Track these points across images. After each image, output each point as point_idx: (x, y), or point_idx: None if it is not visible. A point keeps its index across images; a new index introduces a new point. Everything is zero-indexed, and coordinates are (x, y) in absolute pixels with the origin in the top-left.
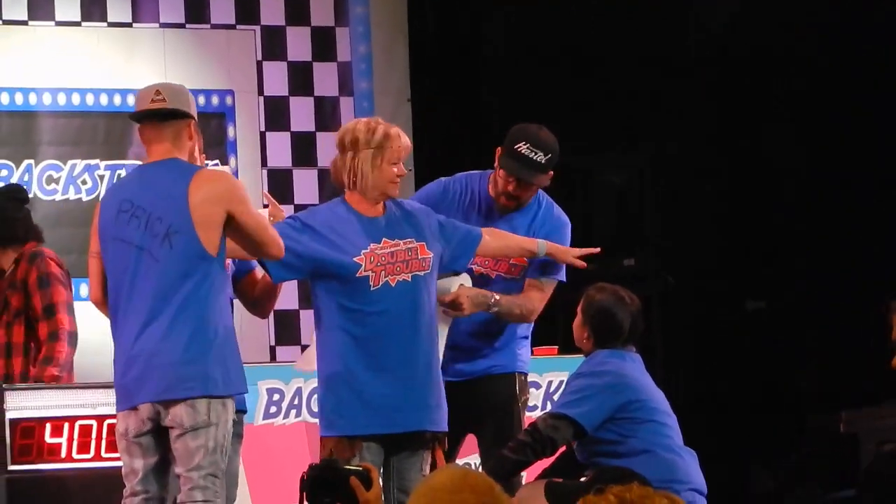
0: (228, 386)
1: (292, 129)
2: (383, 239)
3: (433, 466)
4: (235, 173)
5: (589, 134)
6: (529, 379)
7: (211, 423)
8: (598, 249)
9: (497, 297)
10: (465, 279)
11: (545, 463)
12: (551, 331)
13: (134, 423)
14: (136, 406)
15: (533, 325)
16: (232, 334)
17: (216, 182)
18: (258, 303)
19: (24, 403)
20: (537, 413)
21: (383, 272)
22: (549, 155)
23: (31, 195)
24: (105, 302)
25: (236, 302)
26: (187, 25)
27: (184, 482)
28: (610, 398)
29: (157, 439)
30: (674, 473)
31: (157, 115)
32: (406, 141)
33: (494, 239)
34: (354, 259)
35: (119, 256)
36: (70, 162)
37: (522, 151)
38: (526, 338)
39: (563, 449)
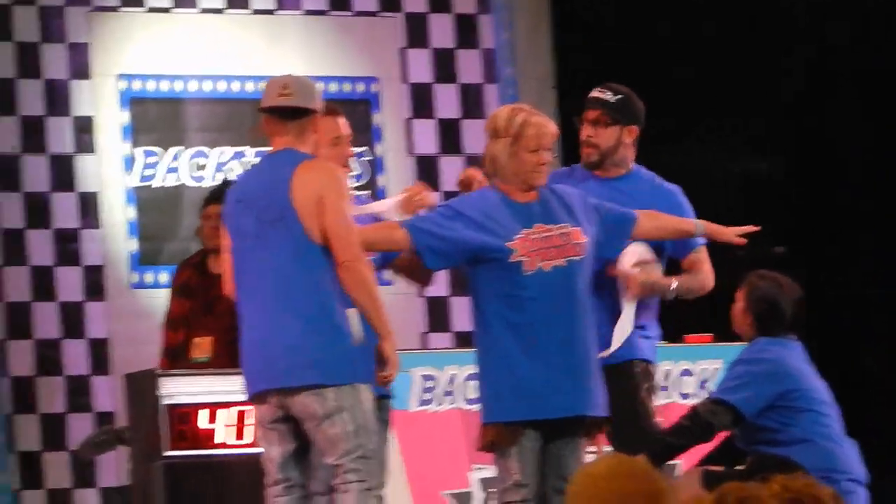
0: (352, 374)
1: (438, 117)
2: (536, 224)
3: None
4: (380, 161)
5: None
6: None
7: (343, 407)
8: (757, 228)
9: (675, 283)
10: (642, 251)
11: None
12: (706, 319)
13: (265, 411)
14: (264, 394)
15: (654, 313)
16: (347, 321)
17: (315, 171)
18: (415, 273)
19: (180, 389)
20: (691, 401)
21: (537, 258)
22: (620, 96)
23: (179, 182)
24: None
25: (392, 292)
26: (330, 13)
27: (337, 470)
28: (769, 386)
29: (291, 426)
30: (833, 463)
31: (282, 111)
32: (549, 128)
33: (649, 220)
34: (507, 244)
35: (239, 247)
36: (218, 149)
37: (593, 94)
38: (643, 327)
39: (722, 436)
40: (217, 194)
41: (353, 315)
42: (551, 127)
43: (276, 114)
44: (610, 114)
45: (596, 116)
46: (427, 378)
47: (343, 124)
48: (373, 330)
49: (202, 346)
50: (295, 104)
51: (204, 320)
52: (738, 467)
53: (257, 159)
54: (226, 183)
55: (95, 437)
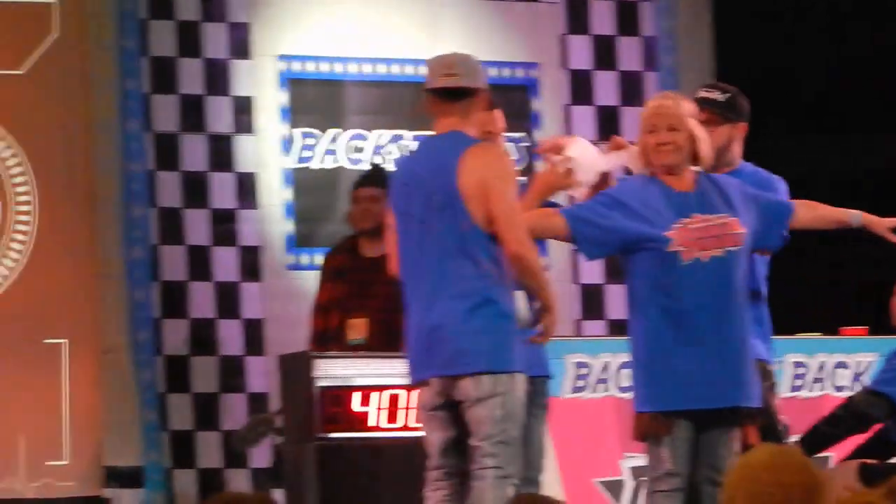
0: (511, 362)
1: (597, 103)
2: (694, 214)
3: (744, 443)
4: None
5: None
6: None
7: (497, 393)
8: None
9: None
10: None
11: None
12: (862, 311)
13: (427, 397)
14: (427, 380)
15: (766, 311)
16: (512, 309)
17: (482, 156)
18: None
19: (333, 372)
20: (845, 394)
21: (695, 248)
22: (728, 94)
23: (336, 164)
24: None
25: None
26: None
27: (475, 451)
28: None
29: (452, 413)
30: None
31: (448, 92)
32: (666, 108)
33: (808, 210)
34: (665, 234)
35: (405, 230)
36: (376, 131)
37: (700, 94)
38: (759, 323)
39: (877, 428)
40: (367, 178)
41: (516, 301)
42: (671, 107)
43: (442, 95)
44: (721, 113)
45: (707, 117)
46: (580, 365)
47: (498, 118)
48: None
49: (357, 328)
50: (461, 84)
51: (358, 303)
52: (893, 460)
53: (415, 143)
54: (376, 167)
55: (248, 431)
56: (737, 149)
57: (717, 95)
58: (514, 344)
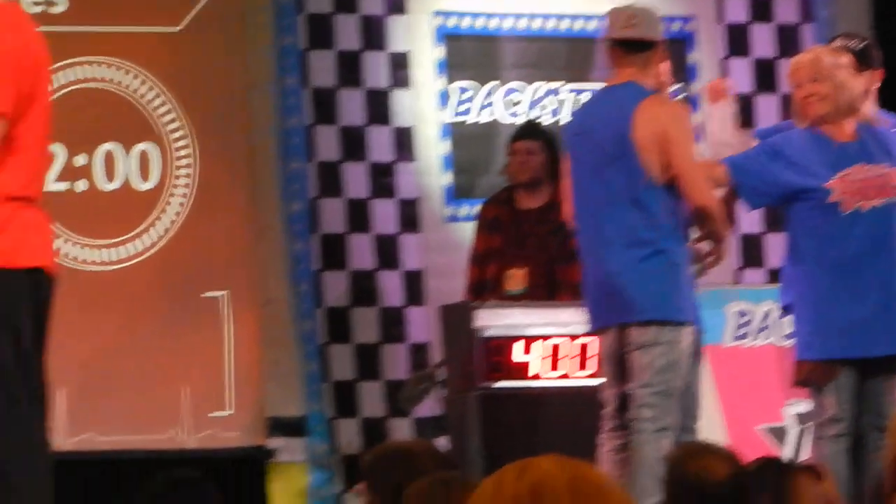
0: (680, 312)
1: (753, 56)
2: (855, 164)
3: None
4: (696, 99)
5: None
6: None
7: (660, 341)
8: None
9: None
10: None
11: None
12: None
13: (603, 346)
14: (602, 329)
15: None
16: (683, 259)
17: (659, 107)
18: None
19: (494, 321)
20: None
21: (855, 198)
22: (864, 42)
23: (493, 118)
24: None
25: None
26: None
27: (633, 399)
28: None
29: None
30: None
31: (628, 43)
32: (801, 62)
33: None
34: (825, 185)
35: (579, 178)
36: (532, 85)
37: (836, 43)
38: None
39: None
40: (524, 131)
41: (691, 253)
42: (810, 60)
43: (622, 45)
44: (860, 60)
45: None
46: (742, 314)
47: (666, 70)
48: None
49: (517, 278)
50: (641, 36)
51: (516, 254)
52: None
53: (570, 96)
54: (532, 121)
55: (412, 389)
56: (871, 97)
57: (852, 44)
58: (684, 294)
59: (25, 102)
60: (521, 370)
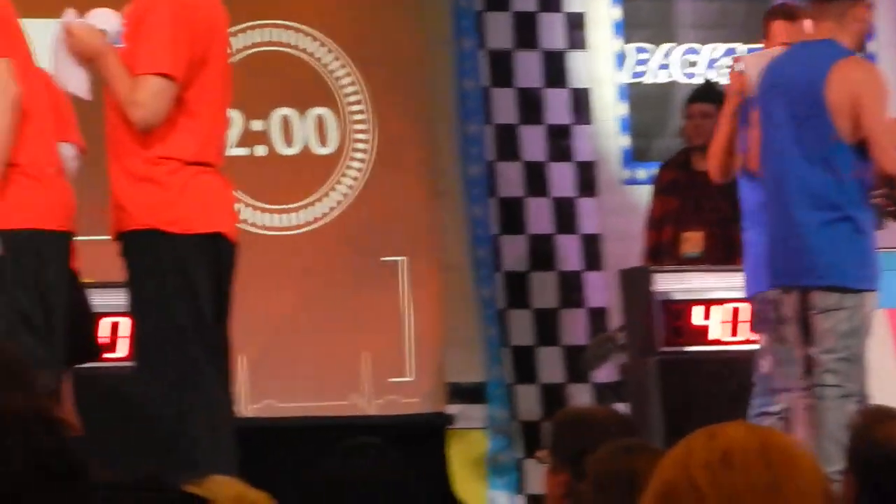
0: (864, 280)
1: None
2: None
3: None
4: (872, 57)
5: None
6: None
7: (844, 306)
8: None
9: None
10: None
11: None
12: None
13: (784, 306)
14: (783, 288)
15: None
16: (869, 227)
17: (854, 70)
18: None
19: (673, 286)
20: None
21: None
22: None
23: (670, 79)
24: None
25: None
26: None
27: (816, 364)
28: None
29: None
30: None
31: None
32: None
33: None
34: None
35: (768, 133)
36: (709, 45)
37: None
38: None
39: None
40: (700, 93)
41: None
42: None
43: None
44: None
45: None
46: None
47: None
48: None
49: (693, 241)
50: None
51: (693, 216)
52: None
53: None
54: (709, 82)
55: (594, 351)
56: None
57: None
58: (869, 262)
59: (197, 66)
60: (701, 335)
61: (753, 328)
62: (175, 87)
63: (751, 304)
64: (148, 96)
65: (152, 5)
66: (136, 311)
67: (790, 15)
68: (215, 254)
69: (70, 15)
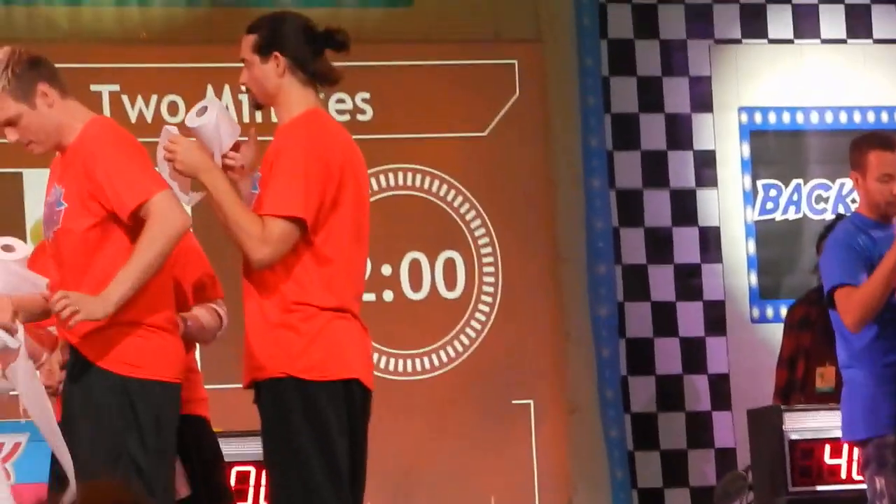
0: None
1: None
2: None
3: None
4: None
5: None
6: None
7: None
8: None
9: None
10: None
11: None
12: None
13: None
14: None
15: None
16: None
17: None
18: None
19: (804, 424)
20: None
21: None
22: None
23: (799, 215)
24: None
25: None
26: None
27: None
28: None
29: None
30: None
31: None
32: None
33: None
34: None
35: None
36: (839, 180)
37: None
38: None
39: None
40: (832, 228)
41: None
42: None
43: None
44: None
45: None
46: None
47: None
48: None
49: (826, 376)
50: None
51: (827, 351)
52: None
53: None
54: (839, 216)
55: (726, 488)
56: None
57: None
58: None
59: (328, 209)
60: (832, 474)
61: (868, 472)
62: (301, 231)
63: (860, 447)
64: (276, 238)
65: (287, 146)
66: (269, 462)
67: (888, 144)
68: (349, 400)
69: (171, 130)
